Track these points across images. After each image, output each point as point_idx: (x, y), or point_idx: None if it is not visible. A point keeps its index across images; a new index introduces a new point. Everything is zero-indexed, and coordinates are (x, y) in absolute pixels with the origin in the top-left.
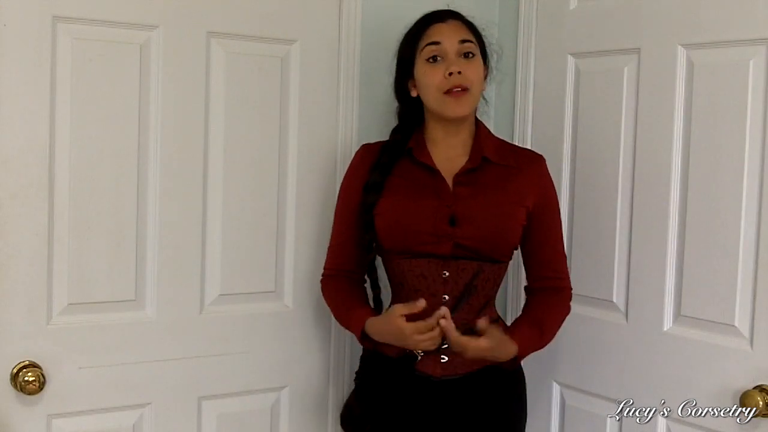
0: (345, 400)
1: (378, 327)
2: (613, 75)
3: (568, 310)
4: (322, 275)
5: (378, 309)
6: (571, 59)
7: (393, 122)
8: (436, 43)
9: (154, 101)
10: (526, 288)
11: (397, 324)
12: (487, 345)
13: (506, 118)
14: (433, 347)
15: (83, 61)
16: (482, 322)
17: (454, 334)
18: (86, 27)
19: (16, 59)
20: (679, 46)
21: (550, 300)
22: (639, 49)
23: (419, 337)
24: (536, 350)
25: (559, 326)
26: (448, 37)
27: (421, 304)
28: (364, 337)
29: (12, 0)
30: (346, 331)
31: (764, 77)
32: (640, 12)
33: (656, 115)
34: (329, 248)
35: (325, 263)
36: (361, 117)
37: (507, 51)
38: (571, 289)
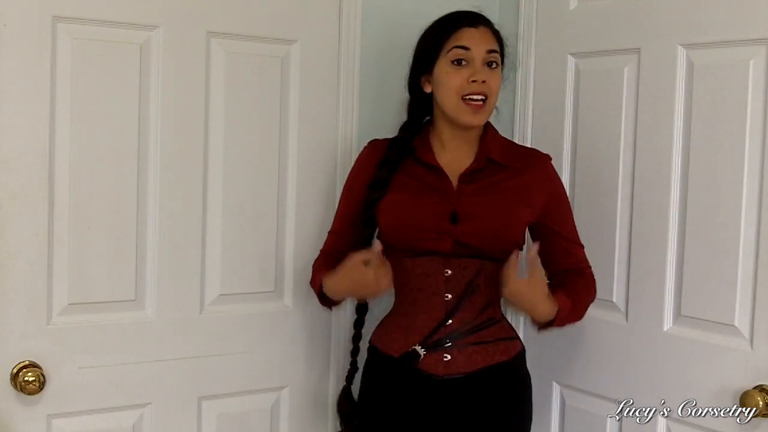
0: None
1: (335, 278)
2: (613, 75)
3: (594, 295)
4: (317, 257)
5: (362, 310)
6: (571, 59)
7: (393, 122)
8: (466, 48)
9: (154, 101)
10: (548, 277)
11: (358, 270)
12: (542, 284)
13: (506, 118)
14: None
15: (83, 61)
16: (533, 252)
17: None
18: (86, 27)
19: (16, 59)
20: (679, 46)
21: (577, 280)
22: (639, 49)
23: (377, 280)
24: (568, 323)
25: (587, 307)
26: (477, 44)
27: (378, 246)
28: (321, 296)
29: (12, 0)
30: (346, 330)
31: (764, 77)
32: (640, 12)
33: (656, 115)
34: (328, 233)
35: (323, 246)
36: (361, 117)
37: (514, 49)
38: (594, 276)
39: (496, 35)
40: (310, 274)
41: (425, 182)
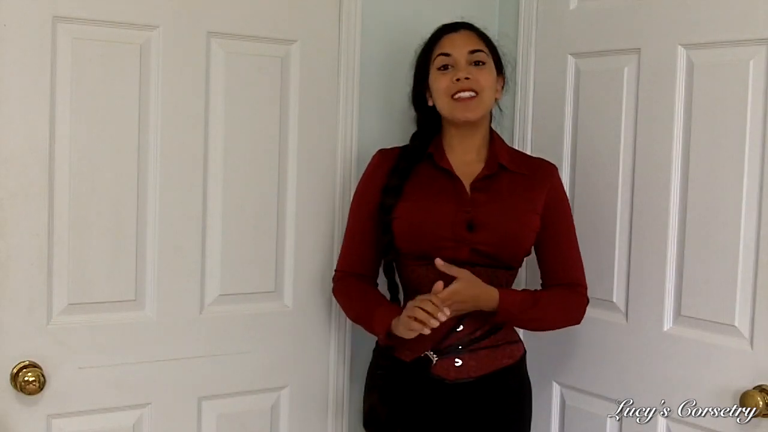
0: (363, 402)
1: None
2: (613, 75)
3: (575, 307)
4: (334, 274)
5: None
6: (571, 59)
7: (392, 121)
8: (447, 54)
9: (154, 101)
10: None
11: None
12: (459, 285)
13: (506, 117)
14: (411, 330)
15: (83, 61)
16: (438, 261)
17: (435, 300)
18: (86, 27)
19: (16, 59)
20: (679, 46)
21: (558, 289)
22: (639, 49)
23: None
24: (524, 321)
25: (560, 315)
26: (458, 47)
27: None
28: (389, 336)
29: (12, 0)
30: (346, 330)
31: (764, 77)
32: (640, 12)
33: (656, 115)
34: (342, 249)
35: (337, 264)
36: (361, 116)
37: (507, 51)
38: (588, 298)
39: (483, 37)
40: (335, 294)
41: (440, 188)
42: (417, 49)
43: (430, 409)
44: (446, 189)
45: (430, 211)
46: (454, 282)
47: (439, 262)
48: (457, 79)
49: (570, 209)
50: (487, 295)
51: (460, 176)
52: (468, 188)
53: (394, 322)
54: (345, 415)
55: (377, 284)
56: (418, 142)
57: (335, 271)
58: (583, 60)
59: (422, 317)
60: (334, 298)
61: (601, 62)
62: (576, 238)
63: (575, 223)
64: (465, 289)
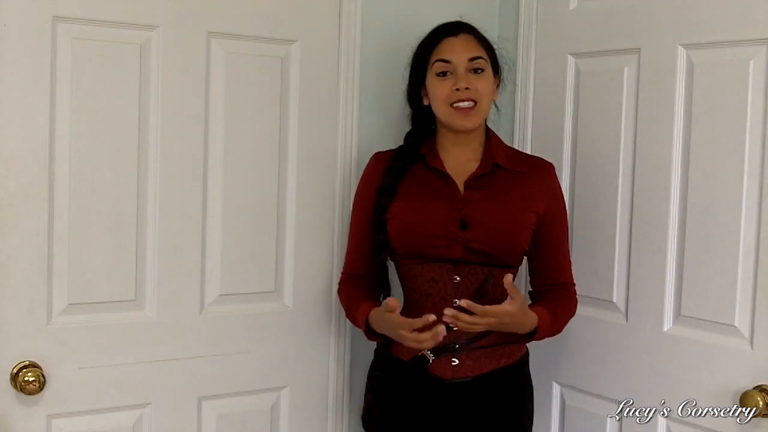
0: (363, 401)
1: (377, 318)
2: (613, 75)
3: (574, 311)
4: (340, 277)
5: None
6: (571, 59)
7: (393, 122)
8: (446, 60)
9: (154, 101)
10: (530, 293)
11: (387, 317)
12: (514, 309)
13: (506, 117)
14: (417, 346)
15: (83, 61)
16: (509, 277)
17: (477, 308)
18: (86, 27)
19: (16, 59)
20: (679, 46)
21: (559, 295)
22: (639, 49)
23: (406, 334)
24: (547, 336)
25: (566, 323)
26: (458, 54)
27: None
28: (368, 330)
29: (12, 0)
30: (346, 330)
31: (764, 77)
32: (640, 12)
33: (656, 115)
34: (346, 253)
35: (343, 267)
36: (361, 116)
37: (507, 51)
38: (577, 294)
39: (482, 40)
40: (339, 296)
41: (433, 188)
42: (421, 29)
43: (427, 409)
44: (439, 188)
45: (423, 211)
46: (509, 301)
47: (508, 278)
48: (457, 89)
49: (566, 208)
50: (528, 323)
51: (455, 176)
52: (462, 187)
53: (375, 318)
54: (345, 415)
55: (387, 285)
56: (413, 141)
57: (341, 273)
58: (583, 60)
59: (428, 344)
60: (334, 299)
61: (601, 62)
62: (568, 238)
63: (575, 223)
64: (515, 312)
